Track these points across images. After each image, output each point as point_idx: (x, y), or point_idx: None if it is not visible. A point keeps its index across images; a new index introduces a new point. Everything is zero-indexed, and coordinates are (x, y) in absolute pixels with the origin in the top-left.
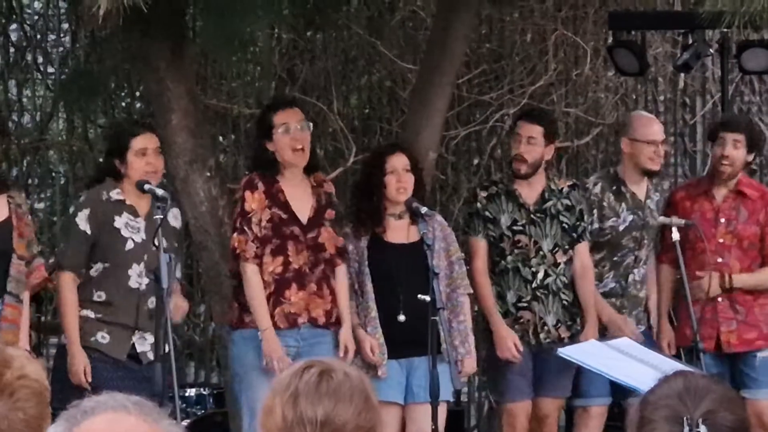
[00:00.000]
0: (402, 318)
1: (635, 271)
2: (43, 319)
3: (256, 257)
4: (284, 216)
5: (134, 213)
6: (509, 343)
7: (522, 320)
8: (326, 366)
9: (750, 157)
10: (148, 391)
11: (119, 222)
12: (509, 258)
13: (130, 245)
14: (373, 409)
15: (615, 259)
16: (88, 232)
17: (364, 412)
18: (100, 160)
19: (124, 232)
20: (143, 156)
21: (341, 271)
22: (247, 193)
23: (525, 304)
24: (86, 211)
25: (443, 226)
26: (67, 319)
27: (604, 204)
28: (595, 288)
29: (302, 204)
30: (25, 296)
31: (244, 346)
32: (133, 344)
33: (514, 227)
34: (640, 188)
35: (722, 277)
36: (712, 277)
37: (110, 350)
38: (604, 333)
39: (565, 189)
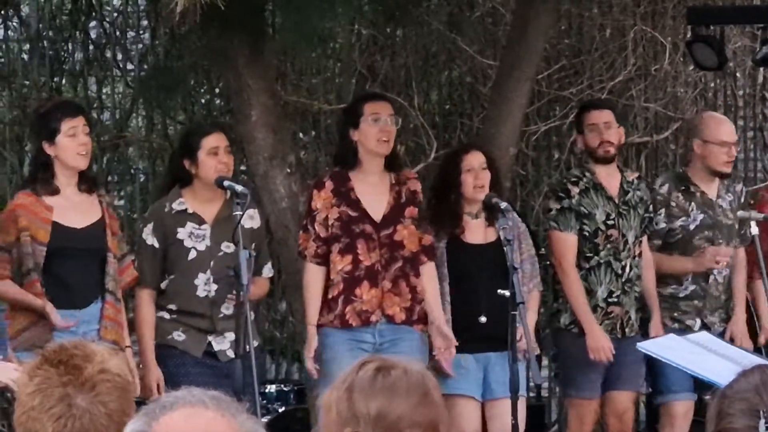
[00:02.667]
0: (483, 320)
1: (715, 272)
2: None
3: (316, 256)
4: (354, 214)
5: (199, 221)
6: (604, 344)
7: (612, 315)
8: (385, 362)
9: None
10: (228, 387)
11: (182, 233)
12: (602, 253)
13: (192, 255)
14: (433, 404)
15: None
16: (156, 245)
17: (421, 407)
18: (171, 163)
19: (187, 243)
20: (215, 155)
21: (427, 269)
22: (315, 192)
23: (615, 299)
24: (150, 226)
25: (517, 222)
26: (142, 334)
27: (672, 204)
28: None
29: (376, 201)
30: (119, 294)
31: (320, 343)
32: (210, 343)
33: (608, 221)
34: (710, 188)
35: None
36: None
37: (186, 347)
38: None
39: (635, 181)
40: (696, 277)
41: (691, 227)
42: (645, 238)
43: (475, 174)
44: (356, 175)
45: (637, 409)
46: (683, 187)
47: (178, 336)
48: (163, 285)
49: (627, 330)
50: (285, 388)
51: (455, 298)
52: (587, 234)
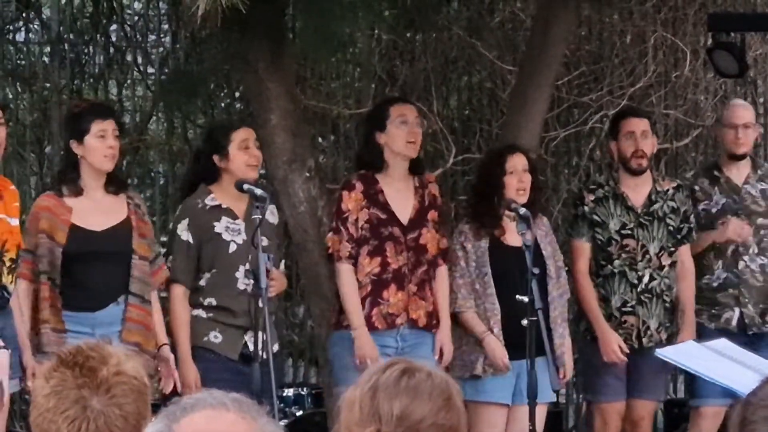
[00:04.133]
0: (525, 322)
1: (746, 258)
2: None
3: (350, 257)
4: (383, 216)
5: (232, 216)
6: (614, 346)
7: (626, 324)
8: (410, 365)
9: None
10: (258, 389)
11: (219, 227)
12: (616, 262)
13: (233, 248)
14: (455, 409)
15: (717, 245)
16: (191, 241)
17: (443, 411)
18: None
19: (226, 236)
20: (246, 149)
21: (441, 273)
22: (344, 193)
23: (630, 309)
24: (185, 222)
25: (549, 228)
26: (178, 333)
27: (696, 188)
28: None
29: (403, 204)
30: (153, 296)
31: (341, 348)
32: (246, 343)
33: (623, 231)
34: (737, 174)
35: None
36: None
37: (223, 349)
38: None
39: (671, 190)
40: (727, 263)
41: (713, 210)
42: (685, 249)
43: (519, 176)
44: (383, 178)
45: (654, 415)
46: (709, 174)
47: (215, 337)
48: (202, 281)
49: (644, 341)
50: (302, 392)
51: (498, 300)
52: (600, 242)
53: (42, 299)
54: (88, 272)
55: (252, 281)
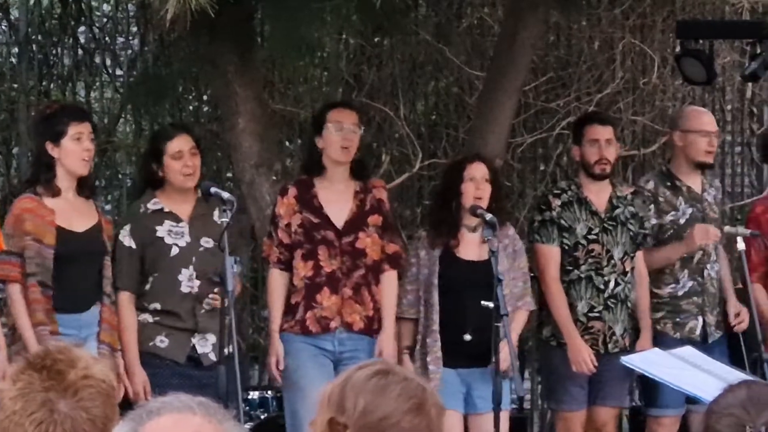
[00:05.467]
0: (468, 338)
1: (708, 266)
2: None
3: (279, 262)
4: (315, 221)
5: (176, 219)
6: (585, 356)
7: (593, 330)
8: (389, 367)
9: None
10: (209, 397)
11: (161, 231)
12: (583, 267)
13: (175, 251)
14: (425, 417)
15: (684, 255)
16: (134, 246)
17: (410, 415)
18: (142, 166)
19: (168, 240)
20: (180, 159)
21: (388, 278)
22: (279, 198)
23: (597, 314)
24: (127, 227)
25: (514, 240)
26: (126, 338)
27: (660, 199)
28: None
29: (339, 208)
30: (114, 297)
31: (284, 351)
32: (194, 346)
33: (589, 236)
34: (695, 182)
35: None
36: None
37: (169, 353)
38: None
39: (629, 196)
40: (692, 273)
41: (681, 221)
42: (640, 254)
43: (476, 185)
44: (321, 182)
45: (619, 423)
46: (669, 183)
47: (161, 342)
48: (147, 286)
49: (610, 346)
50: (267, 395)
51: (443, 311)
52: (567, 247)
53: (33, 302)
54: (75, 274)
55: (197, 283)
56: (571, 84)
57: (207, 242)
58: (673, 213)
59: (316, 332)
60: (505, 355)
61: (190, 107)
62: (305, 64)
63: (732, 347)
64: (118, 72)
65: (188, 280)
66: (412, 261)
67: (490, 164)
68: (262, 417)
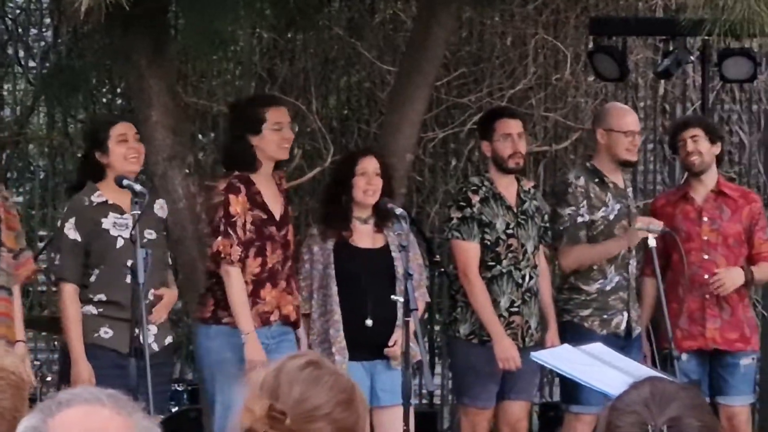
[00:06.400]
0: (370, 323)
1: (631, 261)
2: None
3: (240, 261)
4: (264, 217)
5: (120, 211)
6: (513, 353)
7: (513, 324)
8: (319, 359)
9: (716, 149)
10: (156, 384)
11: (107, 223)
12: (504, 262)
13: (120, 243)
14: (354, 411)
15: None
16: (78, 239)
17: (341, 408)
18: (79, 156)
19: (113, 232)
20: (125, 142)
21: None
22: (231, 197)
23: (516, 309)
24: (72, 220)
25: (406, 231)
26: (70, 331)
27: (591, 195)
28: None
29: (275, 203)
30: (16, 289)
31: (220, 342)
32: (137, 337)
33: (507, 231)
34: (618, 178)
35: (744, 269)
36: (734, 268)
37: (113, 344)
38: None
39: (532, 190)
40: (618, 268)
41: (611, 217)
42: (541, 249)
43: (368, 179)
44: (256, 178)
45: (529, 419)
46: (597, 179)
47: (105, 333)
48: (92, 278)
49: (527, 340)
50: (179, 388)
51: (342, 302)
52: (488, 243)
53: None
54: None
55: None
56: (483, 79)
57: (150, 234)
58: (603, 209)
59: (257, 326)
60: (411, 347)
61: (104, 100)
62: (219, 57)
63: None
64: (31, 64)
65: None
66: (305, 258)
67: (382, 158)
68: (173, 410)
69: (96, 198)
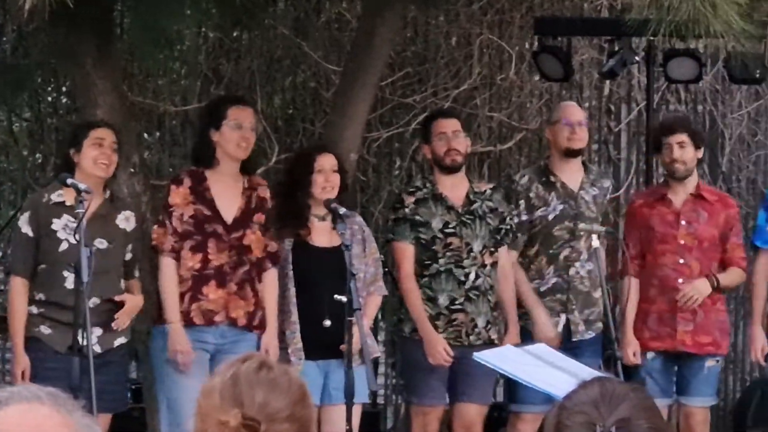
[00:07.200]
0: (327, 323)
1: (577, 264)
2: None
3: (172, 251)
4: (208, 213)
5: (75, 215)
6: (440, 347)
7: (456, 322)
8: (267, 360)
9: (699, 153)
10: (100, 381)
11: (57, 224)
12: (441, 260)
13: (64, 246)
14: (308, 406)
15: (551, 251)
16: (30, 234)
17: (299, 406)
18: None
19: (60, 234)
20: (99, 146)
21: (270, 276)
22: (173, 187)
23: (459, 306)
24: (27, 214)
25: (362, 226)
26: (13, 323)
27: (531, 195)
28: (530, 286)
29: (229, 203)
30: None
31: (161, 341)
32: (77, 339)
33: (446, 230)
34: (572, 178)
35: (709, 278)
36: (699, 280)
37: (51, 341)
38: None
39: (488, 191)
40: (558, 270)
41: (550, 217)
42: (504, 250)
43: (326, 176)
44: (212, 175)
45: None
46: (544, 179)
47: (45, 330)
48: (36, 276)
49: (472, 338)
50: None
51: (300, 301)
52: (424, 242)
53: None
54: None
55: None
56: (428, 79)
57: (101, 243)
58: (543, 209)
59: (200, 324)
60: (357, 347)
61: (49, 98)
62: (164, 57)
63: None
64: None
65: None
66: None
67: (338, 155)
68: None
69: (55, 197)
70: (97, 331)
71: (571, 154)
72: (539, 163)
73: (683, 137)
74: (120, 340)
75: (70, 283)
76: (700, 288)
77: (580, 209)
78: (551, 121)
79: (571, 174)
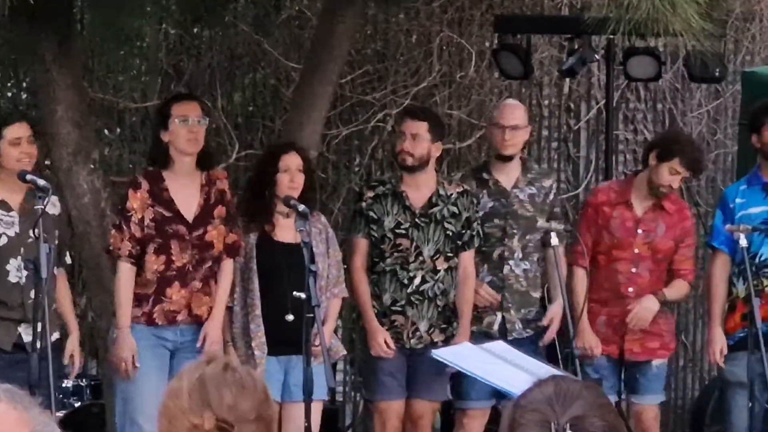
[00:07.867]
0: (290, 318)
1: (511, 263)
2: None
3: (130, 256)
4: (168, 215)
5: (6, 208)
6: (380, 339)
7: (395, 324)
8: (230, 361)
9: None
10: (35, 380)
11: None
12: (388, 260)
13: (4, 240)
14: (272, 406)
15: (483, 249)
16: None
17: (264, 404)
18: None
19: None
20: (17, 145)
21: (225, 266)
22: (130, 192)
23: (399, 309)
24: None
25: (326, 227)
26: None
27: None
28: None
29: (188, 202)
30: None
31: (120, 338)
32: (20, 334)
33: (397, 230)
34: (506, 176)
35: (657, 294)
36: (647, 299)
37: None
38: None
39: (454, 195)
40: (492, 268)
41: (480, 213)
42: (468, 255)
43: (291, 175)
44: (169, 175)
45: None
46: (478, 177)
47: None
48: None
49: (413, 341)
50: (82, 383)
51: (264, 296)
52: (375, 239)
53: None
54: None
55: (26, 273)
56: (388, 77)
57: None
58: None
59: (162, 324)
60: (319, 344)
61: (9, 94)
62: (124, 53)
63: (550, 344)
64: None
65: (17, 270)
66: None
67: (304, 154)
68: (76, 405)
69: None
70: (39, 327)
71: (502, 158)
72: (483, 161)
73: (681, 169)
74: (54, 336)
75: (14, 277)
76: (649, 306)
77: (512, 207)
78: (491, 119)
79: (507, 172)
